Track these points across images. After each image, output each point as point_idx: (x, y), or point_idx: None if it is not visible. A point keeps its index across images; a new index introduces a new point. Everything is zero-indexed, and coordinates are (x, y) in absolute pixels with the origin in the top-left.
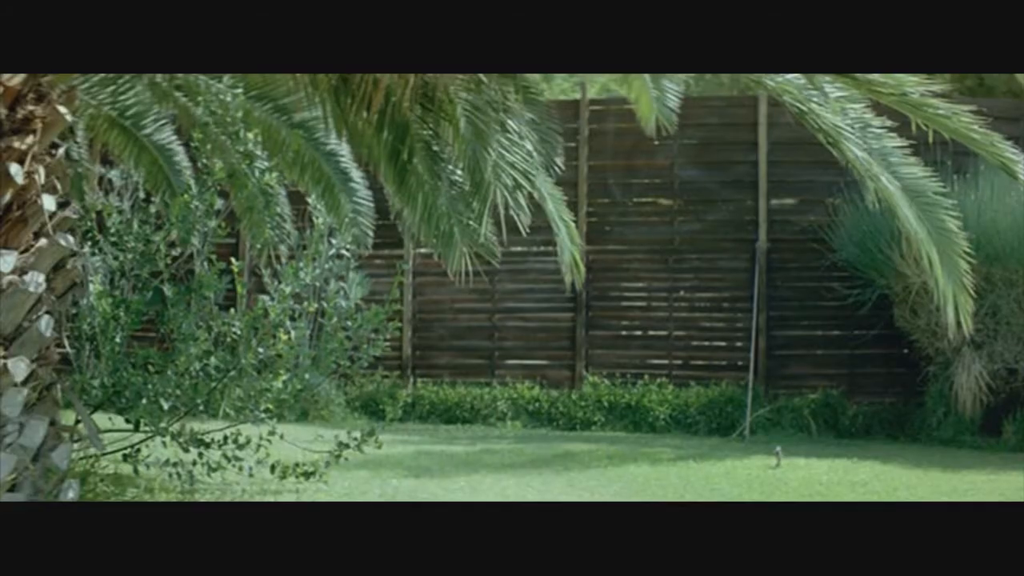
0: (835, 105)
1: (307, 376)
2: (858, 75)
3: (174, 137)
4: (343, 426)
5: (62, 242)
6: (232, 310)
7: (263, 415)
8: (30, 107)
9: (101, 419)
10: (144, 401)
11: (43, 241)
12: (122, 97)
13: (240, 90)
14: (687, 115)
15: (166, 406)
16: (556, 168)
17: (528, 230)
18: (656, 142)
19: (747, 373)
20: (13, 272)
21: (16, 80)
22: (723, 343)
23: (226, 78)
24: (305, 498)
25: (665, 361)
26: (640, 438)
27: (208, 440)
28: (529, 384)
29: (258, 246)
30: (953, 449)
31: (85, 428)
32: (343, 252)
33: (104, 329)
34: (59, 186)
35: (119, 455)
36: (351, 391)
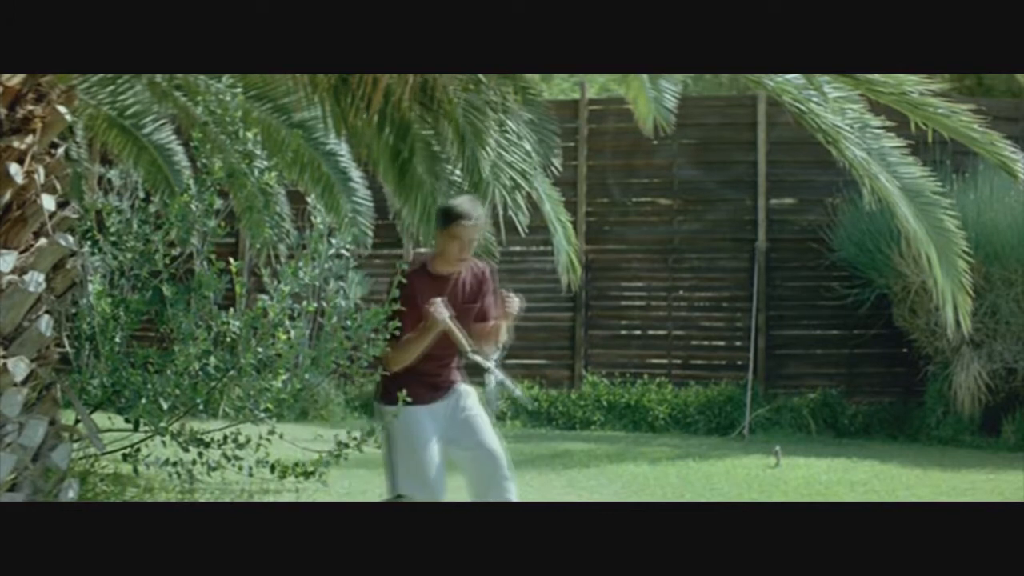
0: (834, 105)
1: (307, 376)
2: (857, 75)
3: (174, 137)
4: (343, 426)
5: (62, 242)
6: (232, 310)
7: (263, 415)
8: (30, 107)
9: (101, 419)
10: (144, 401)
11: (43, 241)
12: (121, 97)
13: (240, 90)
14: (686, 115)
15: (166, 405)
16: (554, 169)
17: (527, 230)
18: (655, 142)
19: (746, 372)
20: (13, 272)
21: (16, 80)
22: (722, 342)
23: (226, 78)
24: (305, 498)
25: (664, 360)
26: (639, 437)
27: (208, 440)
28: (528, 383)
29: (257, 246)
30: (952, 448)
31: (85, 428)
32: (343, 252)
33: (103, 329)
34: (59, 186)
35: (119, 455)
36: (351, 391)
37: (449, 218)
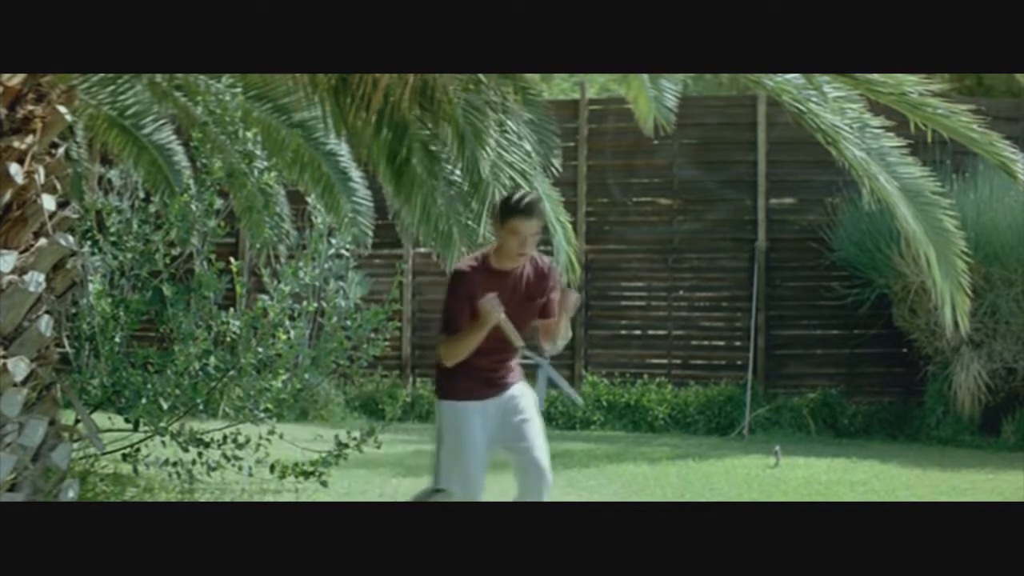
0: (833, 105)
1: (307, 376)
2: (857, 75)
3: (174, 137)
4: (343, 426)
5: (62, 242)
6: (232, 310)
7: (262, 415)
8: (30, 107)
9: (101, 419)
10: (144, 401)
11: (43, 241)
12: (122, 97)
13: (240, 90)
14: (686, 115)
15: (165, 405)
16: (554, 169)
17: None
18: (655, 142)
19: (746, 372)
20: (13, 272)
21: (16, 80)
22: (722, 342)
23: (226, 78)
24: (305, 498)
25: (664, 360)
26: (639, 437)
27: (208, 440)
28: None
29: (257, 246)
30: (952, 448)
31: (85, 428)
32: (342, 252)
33: (103, 329)
34: (59, 186)
35: (119, 455)
36: (351, 391)
37: (508, 212)
